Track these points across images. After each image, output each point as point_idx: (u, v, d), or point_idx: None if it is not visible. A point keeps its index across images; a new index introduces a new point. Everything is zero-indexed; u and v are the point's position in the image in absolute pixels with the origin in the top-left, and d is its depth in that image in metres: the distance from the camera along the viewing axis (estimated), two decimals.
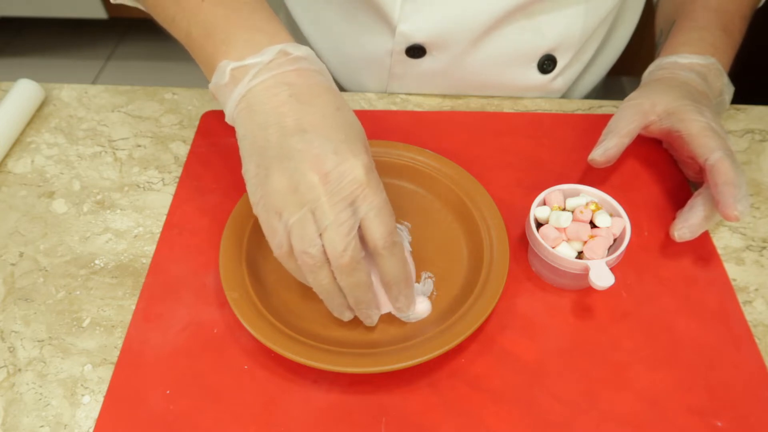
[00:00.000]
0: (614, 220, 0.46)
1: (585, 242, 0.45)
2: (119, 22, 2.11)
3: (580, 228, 0.45)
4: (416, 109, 0.63)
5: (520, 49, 0.61)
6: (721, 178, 0.46)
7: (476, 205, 0.50)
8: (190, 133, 0.60)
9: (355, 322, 0.45)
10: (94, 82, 1.92)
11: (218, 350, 0.44)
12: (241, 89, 0.41)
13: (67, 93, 0.65)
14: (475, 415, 0.41)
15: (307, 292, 0.47)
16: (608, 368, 0.43)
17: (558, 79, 0.64)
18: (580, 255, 0.45)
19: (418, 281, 0.47)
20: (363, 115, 0.61)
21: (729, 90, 0.56)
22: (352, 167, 0.38)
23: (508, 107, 0.63)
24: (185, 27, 0.44)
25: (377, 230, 0.39)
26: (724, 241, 0.51)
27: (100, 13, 1.81)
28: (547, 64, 0.62)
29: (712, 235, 0.51)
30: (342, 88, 0.70)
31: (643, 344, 0.45)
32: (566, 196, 0.48)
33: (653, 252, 0.50)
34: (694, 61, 0.55)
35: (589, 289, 0.46)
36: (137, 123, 0.62)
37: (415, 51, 0.61)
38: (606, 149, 0.50)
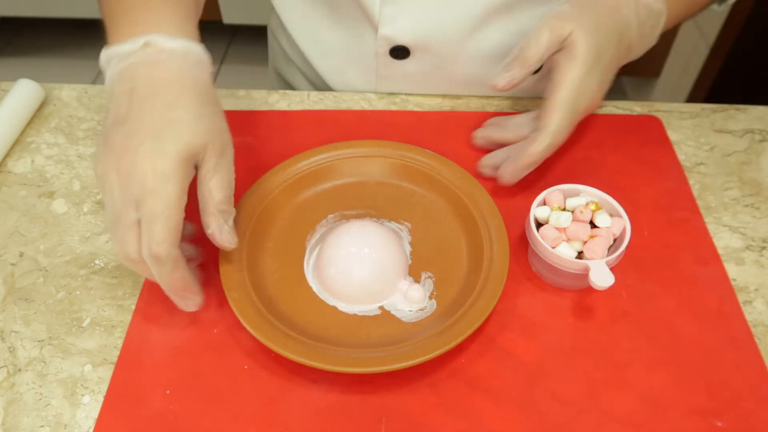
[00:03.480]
0: (614, 220, 0.46)
1: (585, 242, 0.45)
2: None
3: (580, 228, 0.45)
4: (416, 109, 0.63)
5: (506, 50, 0.60)
6: (529, 149, 0.49)
7: (476, 205, 0.50)
8: None
9: (356, 322, 0.45)
10: (94, 82, 1.92)
11: (218, 350, 0.44)
12: (107, 78, 0.43)
13: (67, 93, 0.65)
14: (475, 416, 0.41)
15: (307, 291, 0.47)
16: (608, 368, 0.43)
17: (544, 79, 0.64)
18: (580, 255, 0.45)
19: (417, 281, 0.48)
20: (363, 115, 0.61)
21: (651, 43, 0.54)
22: (145, 168, 0.38)
23: (508, 107, 0.63)
24: (101, 7, 0.47)
25: (144, 239, 0.39)
26: (724, 241, 0.51)
27: (100, 13, 1.80)
28: None
29: (712, 235, 0.51)
30: (331, 89, 0.70)
31: (643, 344, 0.45)
32: (566, 196, 0.48)
33: (653, 252, 0.50)
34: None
35: (589, 289, 0.46)
36: None
37: (399, 52, 0.61)
38: (512, 79, 0.50)
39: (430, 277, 0.48)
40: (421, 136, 0.58)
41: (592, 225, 0.46)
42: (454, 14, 0.57)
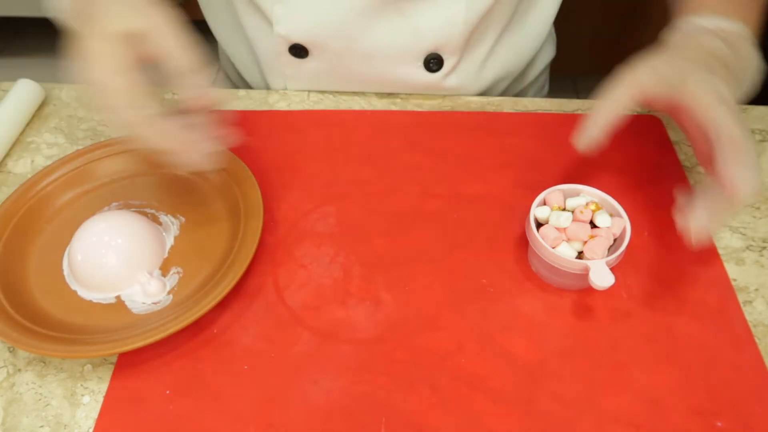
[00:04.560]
0: (614, 220, 0.46)
1: (585, 242, 0.45)
2: None
3: (580, 228, 0.45)
4: (416, 109, 0.63)
5: (400, 48, 0.60)
6: (728, 147, 0.40)
7: (246, 206, 0.50)
8: None
9: (89, 308, 0.46)
10: None
11: (218, 350, 0.44)
12: None
13: (67, 93, 0.65)
14: (475, 415, 0.41)
15: (58, 275, 0.47)
16: (608, 368, 0.43)
17: (451, 77, 0.62)
18: (580, 255, 0.45)
19: (165, 275, 0.48)
20: (363, 115, 0.61)
21: (756, 62, 0.49)
22: None
23: (508, 107, 0.63)
24: None
25: None
26: (724, 241, 0.51)
27: None
28: (433, 63, 0.61)
29: (712, 235, 0.51)
30: (251, 87, 0.71)
31: (643, 344, 0.45)
32: (566, 196, 0.48)
33: (653, 252, 0.50)
34: (721, 25, 0.48)
35: (589, 289, 0.46)
36: None
37: (299, 51, 0.61)
38: (590, 138, 0.44)
39: (177, 272, 0.48)
40: (420, 136, 0.59)
41: (592, 225, 0.46)
42: (338, 11, 0.57)
